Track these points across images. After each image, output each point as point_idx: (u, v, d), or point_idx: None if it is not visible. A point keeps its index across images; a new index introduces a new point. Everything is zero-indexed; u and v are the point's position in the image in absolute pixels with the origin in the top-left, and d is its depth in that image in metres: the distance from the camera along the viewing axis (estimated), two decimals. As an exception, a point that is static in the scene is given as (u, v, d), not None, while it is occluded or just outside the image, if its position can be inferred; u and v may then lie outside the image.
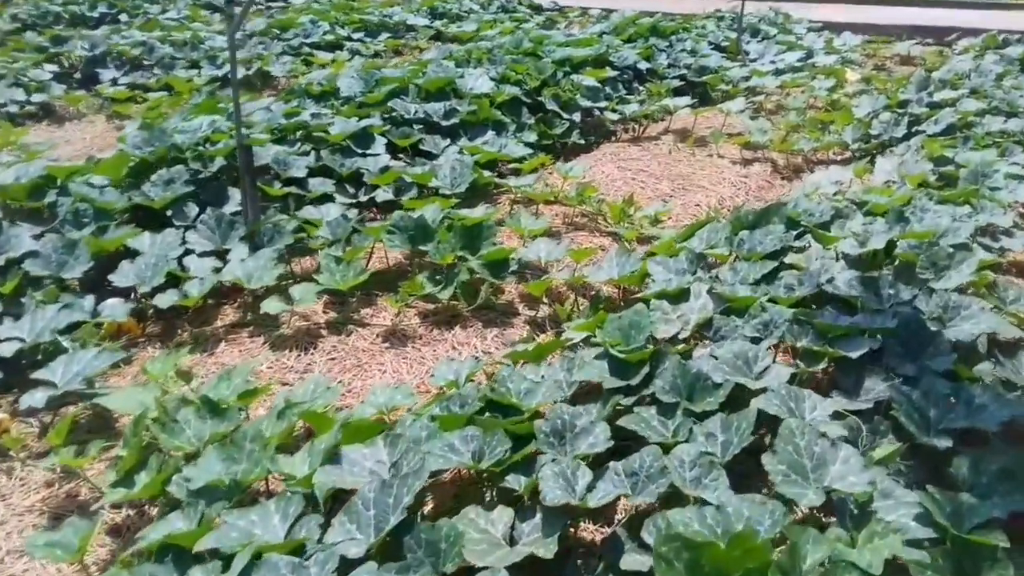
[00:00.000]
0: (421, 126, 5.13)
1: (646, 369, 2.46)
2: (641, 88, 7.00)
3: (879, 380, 2.42)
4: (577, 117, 5.85)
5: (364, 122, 4.82)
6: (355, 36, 9.08)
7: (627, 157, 5.49)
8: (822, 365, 2.47)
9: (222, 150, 4.12)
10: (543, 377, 2.58)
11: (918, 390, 2.33)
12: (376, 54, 8.74)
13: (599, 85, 6.31)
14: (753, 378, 2.40)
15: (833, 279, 2.96)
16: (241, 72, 7.37)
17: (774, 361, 2.46)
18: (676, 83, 7.14)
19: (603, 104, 6.20)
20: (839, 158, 5.59)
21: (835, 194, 4.51)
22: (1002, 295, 2.99)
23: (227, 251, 3.58)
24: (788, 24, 9.48)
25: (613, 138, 6.10)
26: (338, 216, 3.76)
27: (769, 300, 2.82)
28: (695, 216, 4.56)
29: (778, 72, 7.52)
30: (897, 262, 3.08)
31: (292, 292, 3.28)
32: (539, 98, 5.80)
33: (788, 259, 3.19)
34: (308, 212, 3.90)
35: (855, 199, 3.77)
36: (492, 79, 5.86)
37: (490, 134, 5.17)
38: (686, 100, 6.20)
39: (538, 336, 3.34)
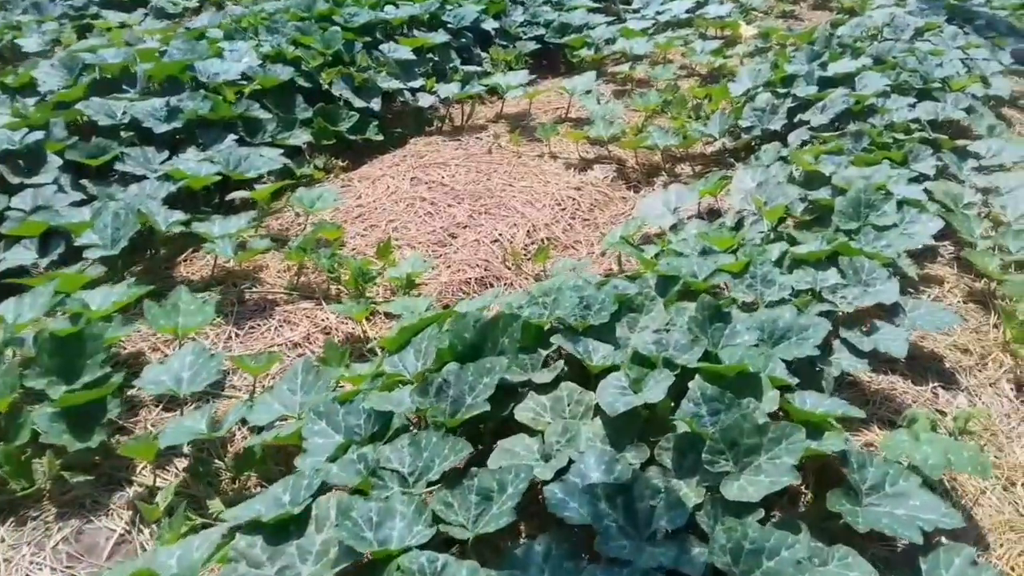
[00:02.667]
0: (132, 133, 3.74)
1: None
2: (484, 55, 5.61)
3: None
4: (377, 104, 4.48)
5: (32, 135, 3.43)
6: (168, -12, 7.48)
7: (433, 161, 4.16)
8: None
9: None
10: None
11: None
12: (187, 11, 7.19)
13: (415, 57, 4.91)
14: None
15: (570, 469, 1.72)
16: (-16, 45, 5.83)
17: None
18: (532, 46, 5.77)
19: (419, 83, 4.82)
20: (710, 150, 4.32)
21: (659, 235, 3.25)
22: (856, 484, 1.78)
23: None
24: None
25: (428, 129, 4.75)
26: None
27: (430, 546, 1.58)
28: (483, 266, 3.28)
29: (658, 28, 6.17)
30: (682, 431, 1.83)
31: None
32: (320, 80, 4.41)
33: (520, 413, 1.93)
34: None
35: (665, 270, 2.50)
36: (265, 56, 4.45)
37: (230, 140, 3.80)
38: (521, 76, 4.84)
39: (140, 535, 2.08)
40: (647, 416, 1.90)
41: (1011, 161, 3.57)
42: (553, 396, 1.97)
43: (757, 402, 1.82)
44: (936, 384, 2.52)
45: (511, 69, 5.51)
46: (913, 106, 3.94)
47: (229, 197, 3.37)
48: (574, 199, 3.85)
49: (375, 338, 2.80)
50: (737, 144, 4.02)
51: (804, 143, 3.71)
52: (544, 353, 2.08)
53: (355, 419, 1.99)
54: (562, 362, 2.04)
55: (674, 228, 3.23)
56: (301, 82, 4.39)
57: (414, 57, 4.91)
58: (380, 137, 4.40)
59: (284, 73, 4.28)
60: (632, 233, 3.09)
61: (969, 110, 3.98)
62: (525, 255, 3.36)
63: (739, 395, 1.86)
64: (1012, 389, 2.55)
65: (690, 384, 1.88)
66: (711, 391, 1.83)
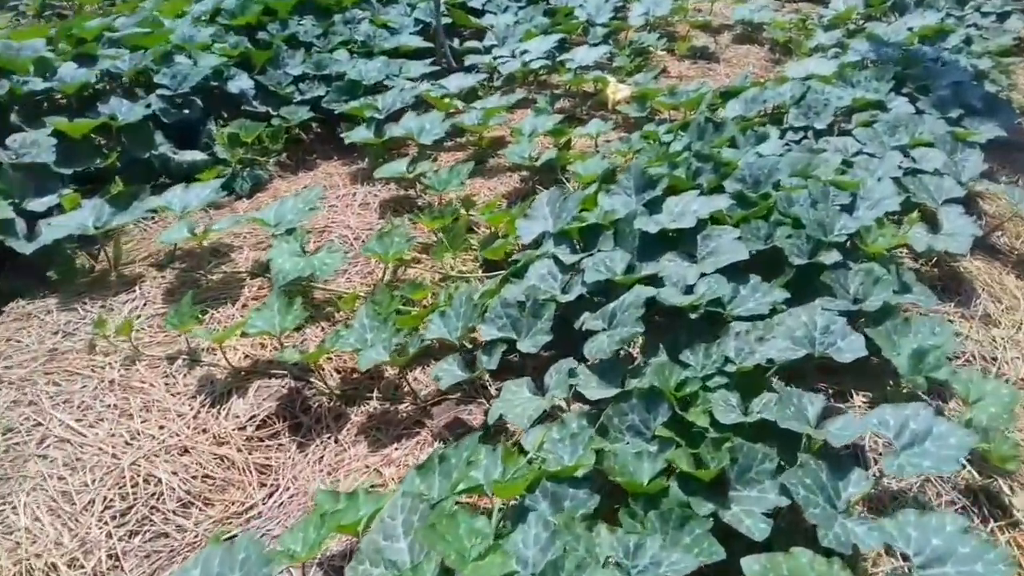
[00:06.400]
0: None
1: None
2: (216, 133, 3.85)
3: None
4: (-51, 249, 2.75)
5: None
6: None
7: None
8: None
9: None
10: None
11: None
12: None
13: (55, 156, 3.16)
14: None
15: None
16: None
17: None
18: (304, 114, 4.01)
19: (54, 200, 3.08)
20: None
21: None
22: None
23: None
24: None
25: (58, 280, 3.00)
26: None
27: None
28: None
29: (505, 82, 4.40)
30: None
31: None
32: None
33: None
34: None
35: None
36: None
37: None
38: (205, 192, 3.06)
39: None
40: None
41: (923, 471, 1.83)
42: None
43: None
44: None
45: (264, 154, 3.79)
46: (773, 312, 2.20)
47: None
48: (161, 479, 2.13)
49: None
50: (472, 376, 2.27)
51: (553, 409, 1.98)
52: None
53: None
54: None
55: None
56: None
57: (53, 157, 3.16)
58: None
59: None
60: None
61: (881, 315, 2.23)
62: None
63: None
64: None
65: None
66: None
